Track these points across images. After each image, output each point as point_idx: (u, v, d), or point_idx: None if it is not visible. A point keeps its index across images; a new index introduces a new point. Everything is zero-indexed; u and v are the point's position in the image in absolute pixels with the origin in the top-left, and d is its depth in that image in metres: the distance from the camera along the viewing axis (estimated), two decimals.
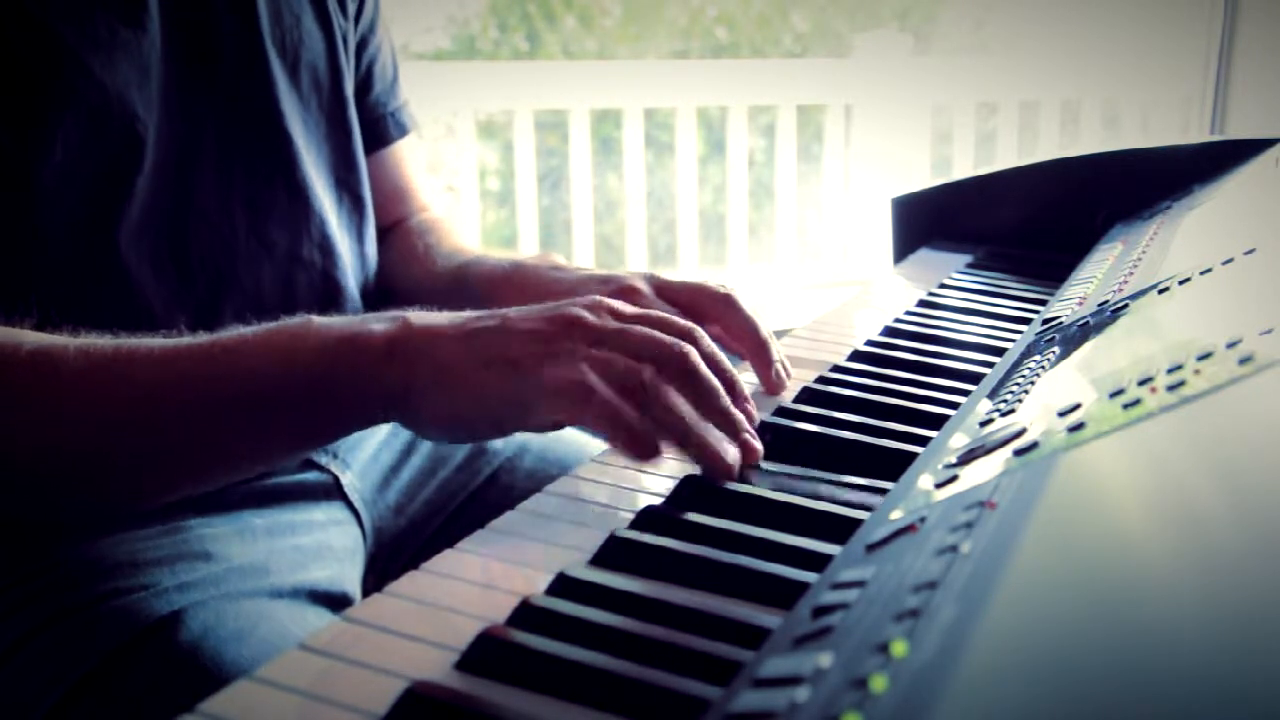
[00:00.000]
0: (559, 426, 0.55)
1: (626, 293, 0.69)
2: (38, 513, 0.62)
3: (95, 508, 0.62)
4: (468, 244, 0.88)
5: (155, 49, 0.67)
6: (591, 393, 0.51)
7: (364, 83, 0.85)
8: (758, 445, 0.55)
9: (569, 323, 0.54)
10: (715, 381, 0.54)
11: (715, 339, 0.70)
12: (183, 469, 0.57)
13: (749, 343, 0.69)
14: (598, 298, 0.57)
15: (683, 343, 0.54)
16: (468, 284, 0.79)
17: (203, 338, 0.56)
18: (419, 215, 0.93)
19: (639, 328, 0.55)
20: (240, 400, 0.54)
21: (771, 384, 0.68)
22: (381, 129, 0.88)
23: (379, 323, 0.55)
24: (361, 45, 0.84)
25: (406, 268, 0.86)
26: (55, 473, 0.56)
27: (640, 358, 0.53)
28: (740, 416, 0.55)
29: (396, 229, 0.91)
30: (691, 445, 0.52)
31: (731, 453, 0.53)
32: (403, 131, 0.90)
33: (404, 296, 0.86)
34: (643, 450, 0.51)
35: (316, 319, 0.55)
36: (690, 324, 0.57)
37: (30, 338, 0.55)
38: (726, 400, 0.55)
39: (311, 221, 0.76)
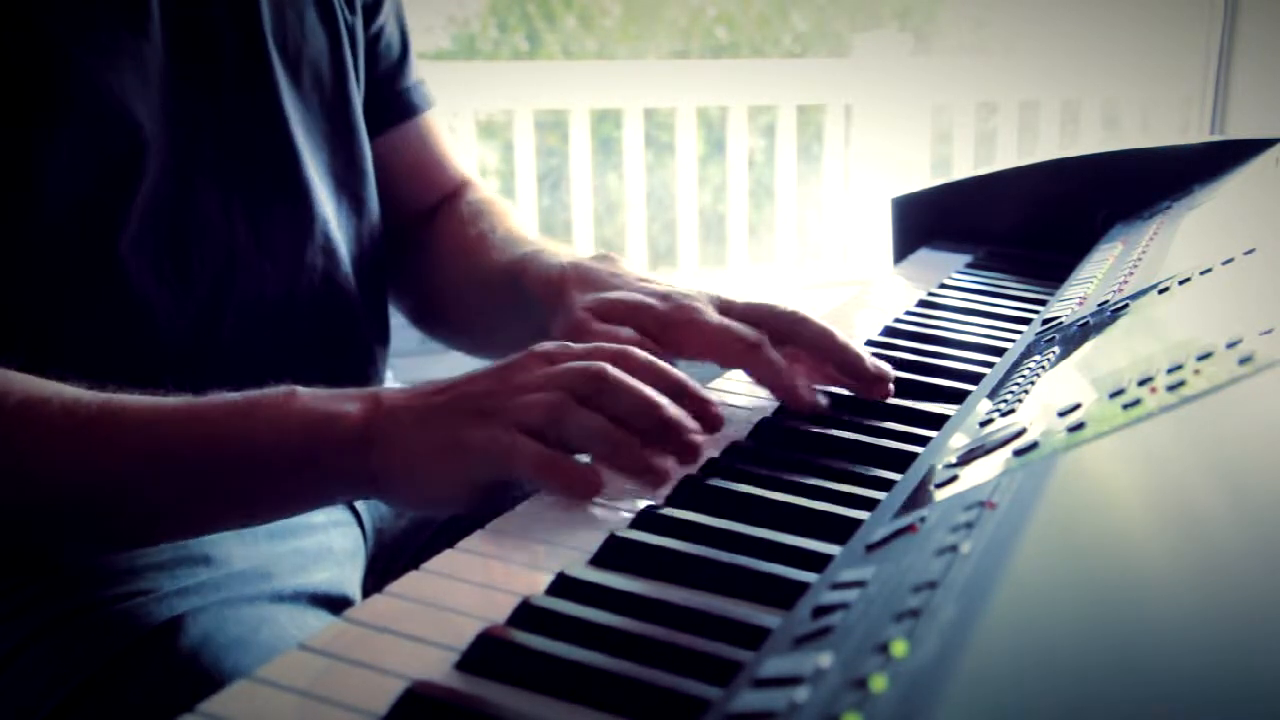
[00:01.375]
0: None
1: (683, 310, 0.64)
2: (18, 554, 0.62)
3: (77, 554, 0.62)
4: (522, 228, 0.84)
5: (157, 53, 0.66)
6: (512, 448, 0.50)
7: (369, 64, 0.82)
8: (698, 444, 0.53)
9: (500, 378, 0.54)
10: (643, 392, 0.53)
11: (788, 359, 0.63)
12: (167, 525, 0.58)
13: (831, 354, 0.63)
14: (547, 346, 0.56)
15: (597, 363, 0.53)
16: (522, 287, 0.74)
17: (185, 400, 0.56)
18: (470, 198, 0.88)
19: (563, 365, 0.54)
20: (225, 467, 0.54)
21: (875, 390, 0.62)
22: (390, 109, 0.85)
23: (354, 402, 0.54)
24: (365, 24, 0.82)
25: (460, 261, 0.83)
26: (37, 526, 0.57)
27: (559, 391, 0.52)
28: (679, 419, 0.53)
29: (443, 216, 0.87)
30: (619, 463, 0.52)
31: (663, 463, 0.52)
32: (413, 111, 0.87)
33: (457, 298, 0.84)
34: (574, 486, 0.51)
35: (300, 390, 0.55)
36: (621, 347, 0.56)
37: (17, 387, 0.55)
38: (661, 410, 0.53)
39: (315, 226, 0.75)
